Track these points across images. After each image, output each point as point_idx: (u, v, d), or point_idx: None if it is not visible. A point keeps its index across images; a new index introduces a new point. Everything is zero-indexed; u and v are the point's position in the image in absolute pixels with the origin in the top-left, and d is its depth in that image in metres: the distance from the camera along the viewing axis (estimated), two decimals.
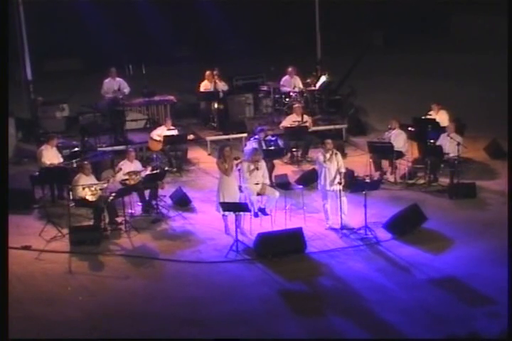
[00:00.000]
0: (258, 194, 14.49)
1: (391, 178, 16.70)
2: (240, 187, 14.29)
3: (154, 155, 17.79)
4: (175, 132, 18.07)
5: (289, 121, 18.64)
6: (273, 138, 17.12)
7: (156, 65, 24.68)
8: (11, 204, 12.87)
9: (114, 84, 19.70)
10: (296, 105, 19.13)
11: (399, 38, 30.93)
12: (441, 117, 17.69)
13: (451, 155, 16.12)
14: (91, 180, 14.66)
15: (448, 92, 21.97)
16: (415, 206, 14.38)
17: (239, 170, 14.34)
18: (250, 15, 28.76)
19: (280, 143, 17.28)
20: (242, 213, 13.90)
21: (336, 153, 14.25)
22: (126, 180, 14.97)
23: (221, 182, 14.17)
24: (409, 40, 30.48)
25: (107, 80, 19.83)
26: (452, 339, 10.44)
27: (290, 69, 20.62)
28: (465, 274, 12.27)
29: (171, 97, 20.64)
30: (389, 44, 31.04)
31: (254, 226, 14.16)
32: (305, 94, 20.53)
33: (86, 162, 15.13)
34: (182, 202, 15.69)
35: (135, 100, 20.12)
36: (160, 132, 17.92)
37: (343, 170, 14.24)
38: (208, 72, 20.28)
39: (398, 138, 16.68)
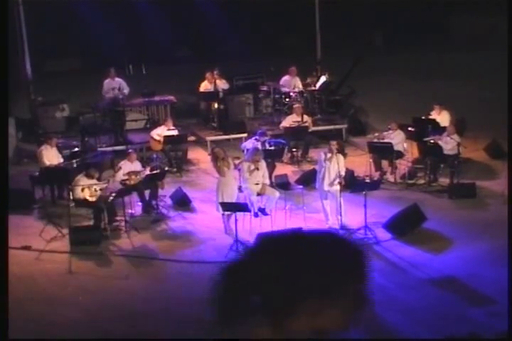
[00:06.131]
0: (258, 194, 14.49)
1: (391, 178, 16.69)
2: (239, 187, 14.30)
3: (154, 155, 17.77)
4: (175, 132, 18.06)
5: (289, 121, 18.61)
6: (277, 140, 17.17)
7: (156, 65, 24.69)
8: (11, 204, 12.87)
9: (114, 85, 19.69)
10: (296, 105, 19.10)
11: (399, 38, 30.92)
12: (443, 118, 17.68)
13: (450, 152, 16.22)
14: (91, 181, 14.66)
15: (448, 92, 21.92)
16: (415, 206, 14.36)
17: (239, 170, 14.35)
18: (250, 15, 28.75)
19: (280, 143, 17.27)
20: (242, 213, 13.91)
21: (336, 154, 14.25)
22: (126, 180, 14.97)
23: (218, 181, 14.24)
24: (409, 40, 30.46)
25: (106, 81, 19.84)
26: (452, 339, 10.42)
27: (292, 68, 20.56)
28: (465, 274, 12.26)
29: (171, 97, 20.62)
30: (389, 44, 31.03)
31: (254, 226, 14.17)
32: (305, 94, 20.50)
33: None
34: (182, 202, 15.68)
35: (135, 100, 20.11)
36: (160, 131, 17.90)
37: (343, 174, 14.23)
38: (208, 73, 20.28)
39: (396, 138, 16.70)
